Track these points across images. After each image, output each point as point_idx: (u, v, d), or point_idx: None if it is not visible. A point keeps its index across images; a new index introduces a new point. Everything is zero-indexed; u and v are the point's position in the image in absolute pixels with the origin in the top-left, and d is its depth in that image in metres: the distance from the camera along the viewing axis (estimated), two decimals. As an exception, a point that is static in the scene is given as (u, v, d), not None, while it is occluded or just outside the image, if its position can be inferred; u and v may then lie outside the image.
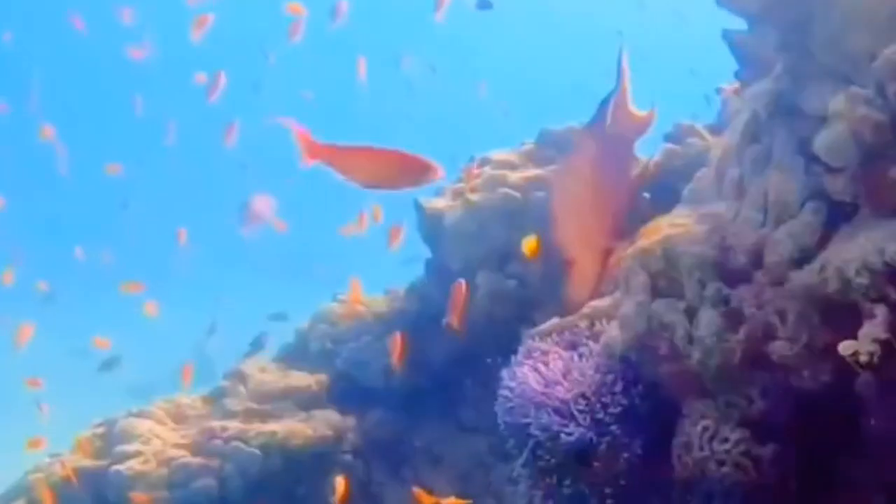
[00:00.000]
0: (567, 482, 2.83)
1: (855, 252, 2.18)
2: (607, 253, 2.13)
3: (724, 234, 2.53)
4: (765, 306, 2.42)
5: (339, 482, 3.22)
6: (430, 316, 3.97)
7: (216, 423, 3.40)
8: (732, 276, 2.50)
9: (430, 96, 15.94)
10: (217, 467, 3.25)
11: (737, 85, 3.50)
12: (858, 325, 2.19)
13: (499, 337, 3.58)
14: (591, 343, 2.96)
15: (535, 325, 3.30)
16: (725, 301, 2.48)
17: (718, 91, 3.68)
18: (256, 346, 5.42)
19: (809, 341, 2.34)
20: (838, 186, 2.33)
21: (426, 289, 3.96)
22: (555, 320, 3.20)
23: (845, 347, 2.13)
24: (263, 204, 4.13)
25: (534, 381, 2.91)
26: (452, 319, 3.26)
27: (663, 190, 3.62)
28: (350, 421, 3.62)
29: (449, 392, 4.01)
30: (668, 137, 3.64)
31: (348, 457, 3.51)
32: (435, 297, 3.96)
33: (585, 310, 3.12)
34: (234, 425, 3.39)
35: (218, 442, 3.31)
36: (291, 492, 3.31)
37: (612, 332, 2.80)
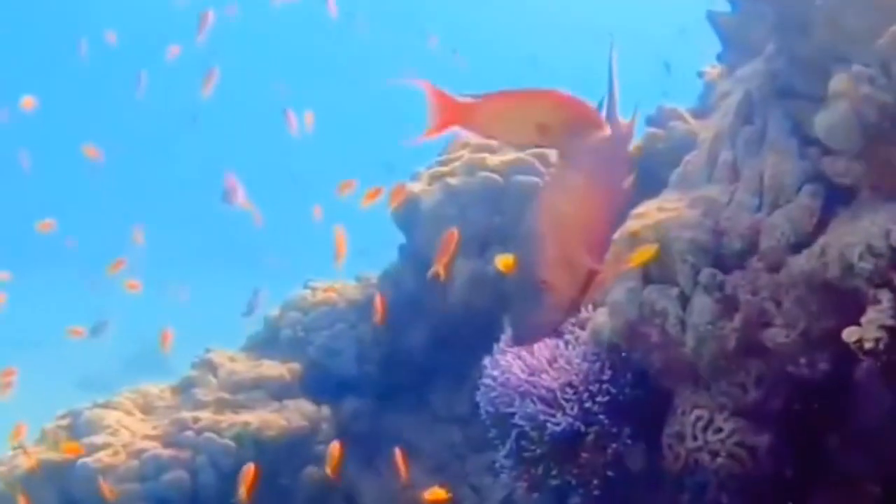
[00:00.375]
0: (553, 473, 2.75)
1: (858, 235, 2.12)
2: (591, 276, 1.88)
3: (718, 218, 2.46)
4: (760, 292, 2.35)
5: (334, 447, 3.12)
6: (406, 303, 3.88)
7: (187, 414, 3.28)
8: (726, 262, 2.43)
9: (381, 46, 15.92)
10: (189, 459, 3.14)
11: (719, 67, 3.45)
12: (859, 311, 2.13)
13: (478, 325, 3.50)
14: (577, 330, 2.88)
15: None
16: (720, 287, 2.41)
17: (700, 74, 3.61)
18: (251, 307, 5.30)
19: (807, 328, 2.28)
20: (839, 169, 2.26)
21: (400, 275, 3.86)
22: (538, 307, 3.11)
23: (849, 334, 2.06)
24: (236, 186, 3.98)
25: (518, 370, 2.83)
26: (438, 268, 3.15)
27: (646, 174, 3.55)
28: (325, 411, 3.52)
29: (424, 381, 3.92)
30: (650, 121, 3.57)
31: (323, 447, 3.40)
32: (409, 284, 3.87)
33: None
34: (205, 416, 3.28)
35: (190, 433, 3.20)
36: (265, 484, 3.19)
37: (600, 319, 2.72)
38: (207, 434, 3.20)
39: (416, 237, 3.71)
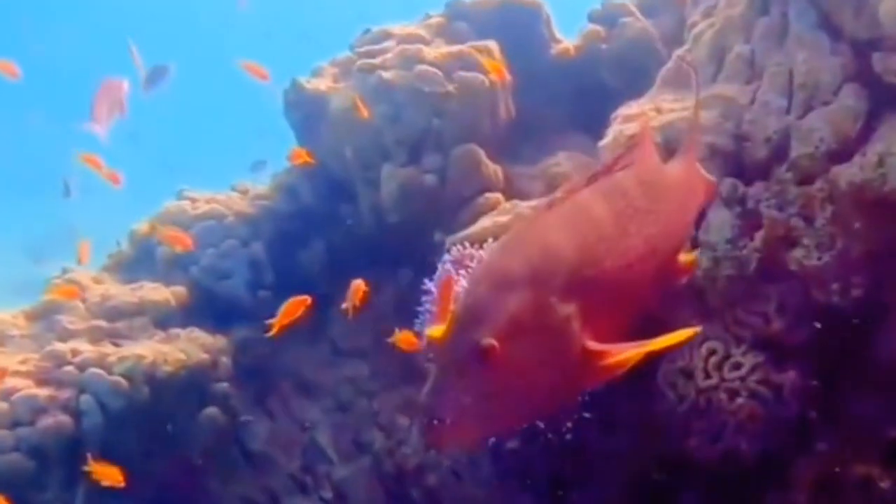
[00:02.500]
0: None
1: (933, 142, 1.81)
2: (586, 356, 1.40)
3: (740, 120, 2.12)
4: (787, 207, 2.03)
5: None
6: (304, 218, 3.41)
7: (63, 346, 2.71)
8: (749, 172, 2.10)
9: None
10: (71, 400, 2.58)
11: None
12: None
13: (399, 244, 3.07)
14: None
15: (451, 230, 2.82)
16: (740, 201, 2.07)
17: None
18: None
19: (844, 250, 1.97)
20: (892, 65, 1.95)
21: (298, 186, 3.36)
22: (485, 222, 2.72)
23: None
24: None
25: (476, 295, 2.42)
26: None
27: (586, 79, 3.20)
28: (222, 342, 3.01)
29: (324, 309, 3.45)
30: (591, 17, 3.19)
31: (225, 385, 2.91)
32: (308, 197, 3.39)
33: (527, 211, 2.66)
34: (87, 348, 2.72)
35: (70, 369, 2.63)
36: (159, 430, 2.69)
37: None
38: (93, 370, 2.64)
39: (321, 143, 3.22)
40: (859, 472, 2.11)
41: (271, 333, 2.61)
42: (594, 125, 3.08)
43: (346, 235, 3.34)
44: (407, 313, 3.13)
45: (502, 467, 2.70)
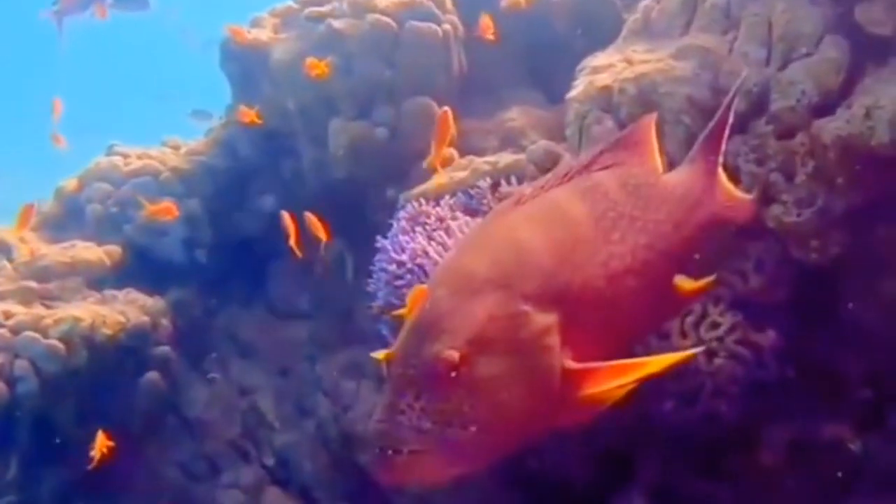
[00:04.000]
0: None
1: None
2: (568, 380, 1.24)
3: (717, 72, 2.04)
4: (767, 162, 1.97)
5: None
6: (242, 175, 3.27)
7: (-8, 307, 2.54)
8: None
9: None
10: (5, 365, 2.41)
11: None
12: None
13: (353, 201, 2.95)
14: (505, 202, 2.40)
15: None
16: (720, 155, 2.00)
17: None
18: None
19: (825, 206, 1.92)
20: (875, 15, 1.89)
21: (236, 142, 3.22)
22: (440, 178, 2.61)
23: None
24: None
25: (436, 253, 2.32)
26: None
27: (540, 29, 3.09)
28: (161, 303, 2.86)
29: (261, 270, 3.33)
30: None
31: (166, 349, 2.77)
32: (246, 153, 3.25)
33: (484, 166, 2.56)
34: (20, 310, 2.54)
35: (3, 332, 2.46)
36: (96, 397, 2.54)
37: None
38: (28, 333, 2.48)
39: (260, 96, 3.08)
40: (831, 433, 2.09)
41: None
42: (547, 79, 3.00)
43: (287, 193, 3.21)
44: (348, 275, 3.02)
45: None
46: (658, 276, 1.44)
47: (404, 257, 2.37)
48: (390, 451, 1.15)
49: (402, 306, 2.41)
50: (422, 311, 1.22)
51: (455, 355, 1.16)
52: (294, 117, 2.97)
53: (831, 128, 1.87)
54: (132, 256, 3.08)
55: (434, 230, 2.40)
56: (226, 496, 3.06)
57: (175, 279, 3.14)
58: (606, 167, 1.46)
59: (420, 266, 2.34)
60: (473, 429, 1.17)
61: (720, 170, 1.65)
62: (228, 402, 3.16)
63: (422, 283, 2.34)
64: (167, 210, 2.95)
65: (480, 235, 1.39)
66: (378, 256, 2.53)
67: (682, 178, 1.58)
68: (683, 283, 1.52)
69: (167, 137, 3.56)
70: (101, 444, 2.37)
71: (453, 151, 2.78)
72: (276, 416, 3.17)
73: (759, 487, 2.12)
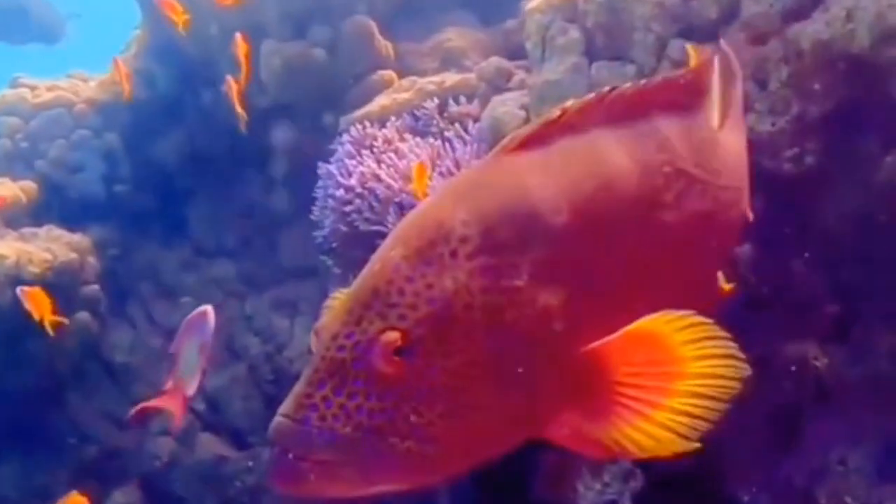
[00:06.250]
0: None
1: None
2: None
3: (687, -24, 1.96)
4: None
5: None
6: (160, 105, 3.08)
7: None
8: (697, 33, 1.95)
9: None
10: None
11: None
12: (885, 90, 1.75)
13: (282, 129, 2.80)
14: (454, 127, 2.30)
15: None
16: (691, 64, 1.93)
17: None
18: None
19: (801, 113, 1.86)
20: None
21: (154, 72, 3.03)
22: (383, 100, 2.50)
23: None
24: None
25: (388, 177, 2.21)
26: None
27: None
28: (86, 241, 2.68)
29: (183, 204, 3.16)
30: None
31: (94, 287, 2.59)
32: (164, 83, 3.07)
33: (429, 86, 2.45)
34: (-65, 249, 2.34)
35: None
36: (22, 341, 2.36)
37: (502, 109, 2.16)
38: (-54, 272, 2.29)
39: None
40: (796, 350, 2.06)
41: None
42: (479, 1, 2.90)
43: (208, 124, 3.04)
44: (277, 207, 2.89)
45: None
46: (709, 260, 1.20)
47: (352, 181, 2.26)
48: (291, 456, 0.88)
49: (351, 232, 2.30)
50: (367, 275, 0.93)
51: (396, 337, 0.87)
52: (217, 43, 2.80)
53: (809, 32, 1.81)
54: (47, 193, 2.88)
55: (383, 153, 2.29)
56: (156, 444, 2.92)
57: (92, 216, 2.96)
58: (662, 108, 1.12)
59: (371, 190, 2.23)
60: (411, 443, 0.88)
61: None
62: (152, 345, 3.00)
63: (373, 207, 2.23)
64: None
65: (468, 180, 1.04)
66: (321, 183, 2.41)
67: (736, 138, 1.32)
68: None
69: (73, 71, 3.35)
70: None
71: (393, 73, 2.67)
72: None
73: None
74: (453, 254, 0.91)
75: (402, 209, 2.17)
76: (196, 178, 3.10)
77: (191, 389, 2.02)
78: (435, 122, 2.35)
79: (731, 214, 1.20)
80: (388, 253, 0.93)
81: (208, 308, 2.00)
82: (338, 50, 2.61)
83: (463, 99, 2.36)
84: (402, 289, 0.89)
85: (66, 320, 2.30)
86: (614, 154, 1.03)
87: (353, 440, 0.87)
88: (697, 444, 0.92)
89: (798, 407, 2.05)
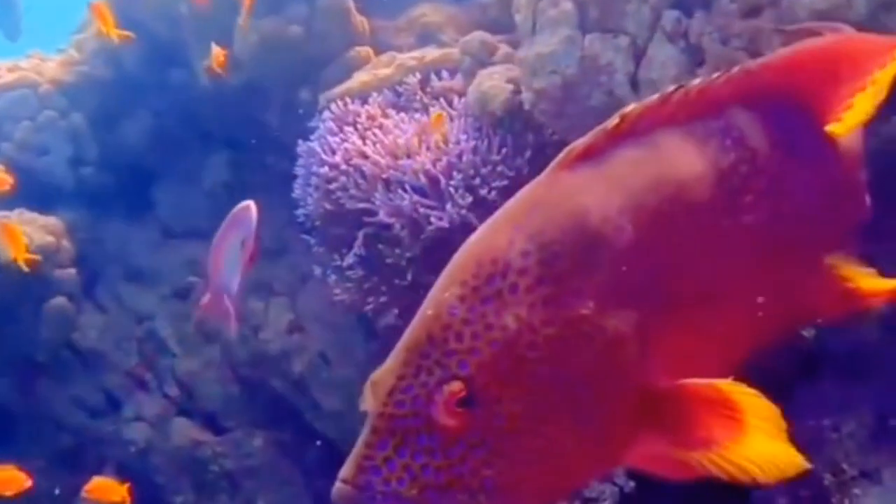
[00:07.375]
0: (425, 281, 2.17)
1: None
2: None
3: (678, -54, 1.95)
4: (731, 41, 1.90)
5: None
6: (127, 86, 3.02)
7: None
8: (691, 4, 1.94)
9: None
10: None
11: None
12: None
13: (251, 108, 2.75)
14: (438, 103, 2.28)
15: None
16: (685, 35, 1.92)
17: None
18: None
19: (793, 84, 1.86)
20: None
21: (119, 51, 2.95)
22: (362, 76, 2.46)
23: None
24: None
25: (374, 153, 2.18)
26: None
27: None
28: (60, 224, 2.61)
29: (150, 186, 3.10)
30: None
31: (71, 271, 2.52)
32: (131, 63, 3.00)
33: (410, 62, 2.42)
34: None
35: None
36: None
37: (489, 84, 2.14)
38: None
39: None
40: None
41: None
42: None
43: (176, 105, 2.99)
44: (248, 184, 2.85)
45: (378, 346, 2.53)
46: (806, 265, 1.03)
47: (337, 158, 2.23)
48: None
49: (335, 211, 2.27)
50: (419, 321, 0.86)
51: (459, 387, 0.82)
52: (186, 21, 2.74)
53: (806, 2, 1.81)
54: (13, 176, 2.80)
55: (367, 129, 2.26)
56: (131, 430, 2.87)
57: (60, 199, 2.89)
58: (737, 101, 1.01)
59: (356, 167, 2.20)
60: (482, 498, 0.83)
61: None
62: (122, 329, 2.95)
63: (359, 185, 2.20)
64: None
65: (522, 203, 0.92)
66: (302, 161, 2.37)
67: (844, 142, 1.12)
68: (862, 277, 1.05)
69: (31, 51, 3.27)
70: None
71: (369, 50, 2.63)
72: (177, 342, 2.97)
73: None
74: (512, 288, 0.85)
75: (390, 185, 2.14)
76: (164, 158, 3.04)
77: (234, 286, 1.97)
78: (418, 97, 2.32)
79: (840, 210, 1.07)
80: (441, 295, 0.86)
81: (250, 203, 1.93)
82: (314, 26, 2.57)
83: (445, 74, 2.34)
84: (461, 333, 0.83)
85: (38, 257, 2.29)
86: (678, 158, 0.94)
87: (420, 502, 0.82)
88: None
89: (789, 377, 2.07)
